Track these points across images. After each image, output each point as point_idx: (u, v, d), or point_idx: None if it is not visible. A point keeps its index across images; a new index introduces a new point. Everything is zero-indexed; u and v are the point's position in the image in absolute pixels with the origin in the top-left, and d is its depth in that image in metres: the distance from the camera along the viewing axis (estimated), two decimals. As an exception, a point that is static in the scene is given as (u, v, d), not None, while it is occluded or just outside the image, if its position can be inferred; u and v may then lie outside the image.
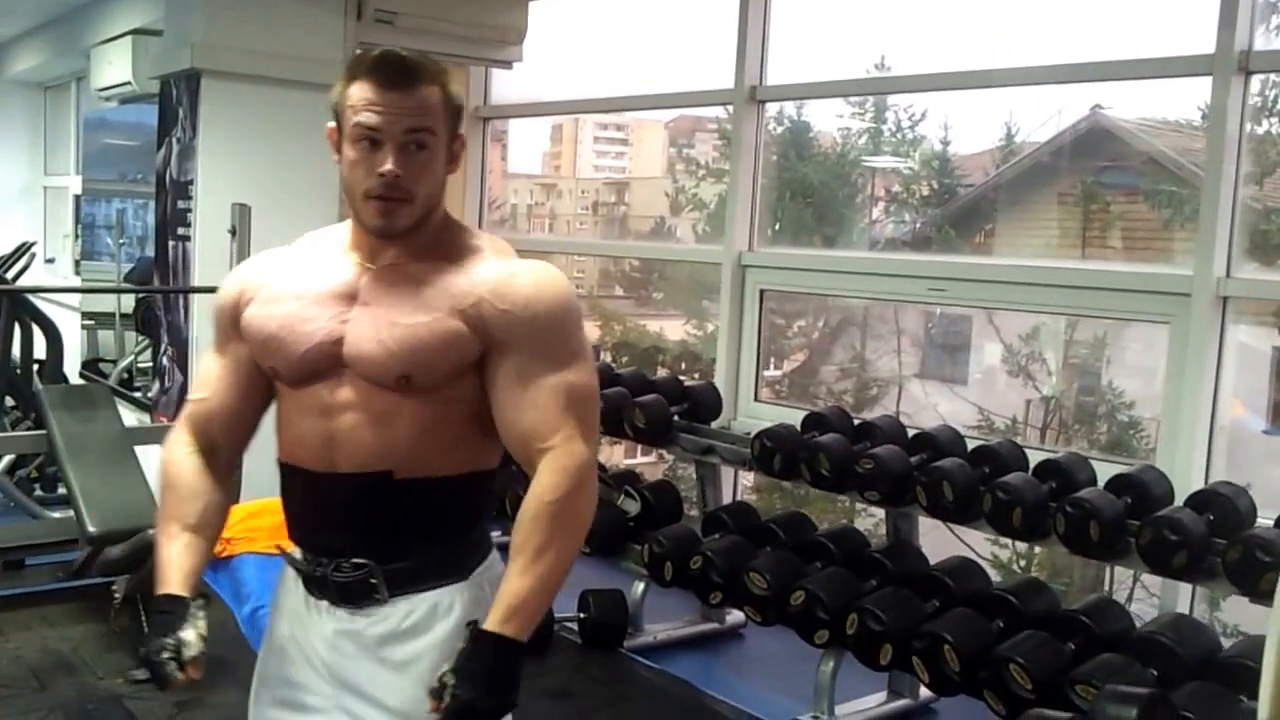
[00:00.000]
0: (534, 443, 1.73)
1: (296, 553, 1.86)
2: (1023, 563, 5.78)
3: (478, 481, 1.83)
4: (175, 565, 1.79)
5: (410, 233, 1.76)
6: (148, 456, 4.61)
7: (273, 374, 1.84)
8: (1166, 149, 4.90)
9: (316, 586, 1.82)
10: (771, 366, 7.18)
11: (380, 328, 1.75)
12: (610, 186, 9.45)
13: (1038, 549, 5.55)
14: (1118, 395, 5.72)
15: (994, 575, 4.09)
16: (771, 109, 5.76)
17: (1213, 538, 3.08)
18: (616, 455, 6.96)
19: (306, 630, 1.84)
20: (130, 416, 5.16)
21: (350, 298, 1.79)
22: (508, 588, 1.68)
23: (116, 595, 4.12)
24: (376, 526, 1.77)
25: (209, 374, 1.91)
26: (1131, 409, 5.45)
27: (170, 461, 1.89)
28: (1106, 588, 4.73)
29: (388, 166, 1.70)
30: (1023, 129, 5.53)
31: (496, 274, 1.77)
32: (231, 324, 1.87)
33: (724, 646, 4.50)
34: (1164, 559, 3.09)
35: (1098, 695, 2.70)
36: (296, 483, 1.84)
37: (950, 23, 5.25)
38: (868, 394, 6.88)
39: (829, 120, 6.38)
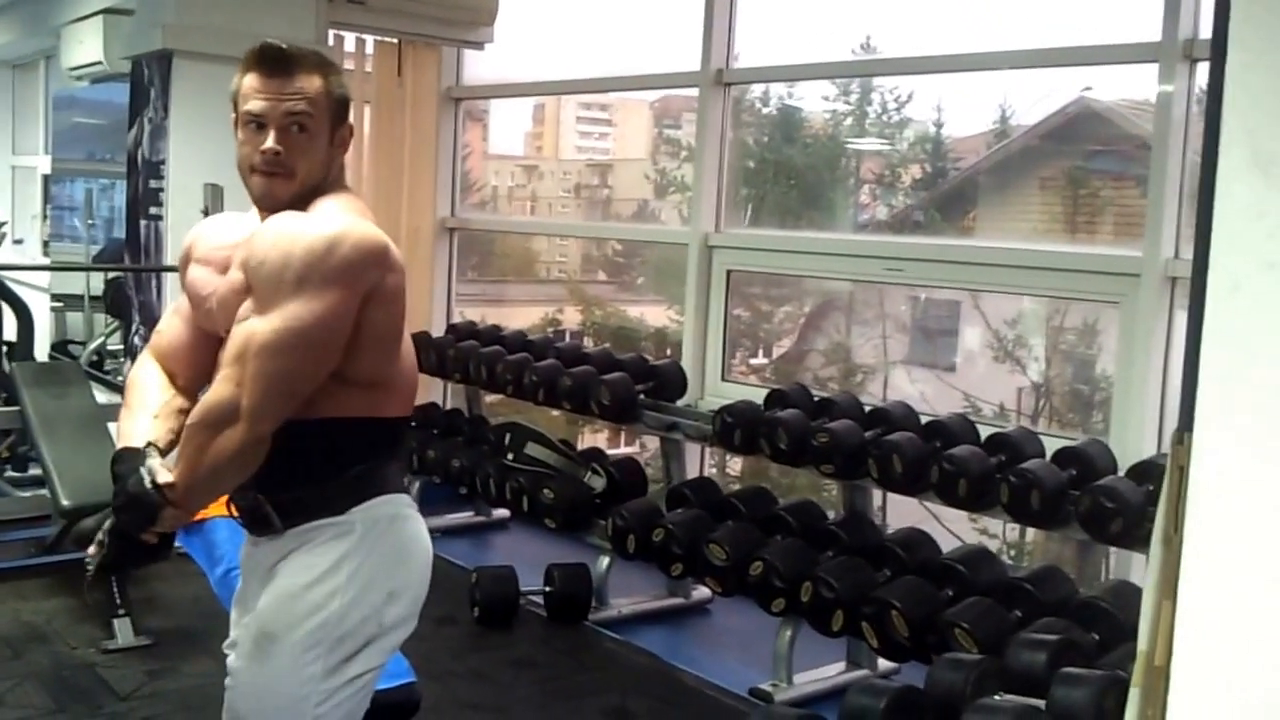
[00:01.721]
0: None
1: None
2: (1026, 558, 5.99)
3: (340, 427, 2.11)
4: (129, 431, 2.16)
5: (292, 205, 2.09)
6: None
7: None
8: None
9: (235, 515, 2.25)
10: (760, 355, 7.44)
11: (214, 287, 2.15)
12: (593, 169, 9.58)
13: (1034, 541, 5.77)
14: (1112, 384, 5.91)
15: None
16: (757, 90, 6.01)
17: (1149, 506, 3.35)
18: (600, 444, 7.17)
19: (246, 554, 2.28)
20: (100, 397, 5.41)
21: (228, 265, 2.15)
22: None
23: (89, 567, 4.38)
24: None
25: (168, 312, 2.33)
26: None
27: (134, 372, 2.29)
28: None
29: (268, 144, 2.06)
30: (1016, 112, 5.73)
31: (266, 225, 2.08)
32: (183, 274, 2.27)
33: (689, 621, 4.76)
34: (1102, 526, 3.38)
35: (1012, 642, 3.01)
36: None
37: (934, 3, 5.42)
38: (853, 380, 7.10)
39: (818, 103, 6.59)
